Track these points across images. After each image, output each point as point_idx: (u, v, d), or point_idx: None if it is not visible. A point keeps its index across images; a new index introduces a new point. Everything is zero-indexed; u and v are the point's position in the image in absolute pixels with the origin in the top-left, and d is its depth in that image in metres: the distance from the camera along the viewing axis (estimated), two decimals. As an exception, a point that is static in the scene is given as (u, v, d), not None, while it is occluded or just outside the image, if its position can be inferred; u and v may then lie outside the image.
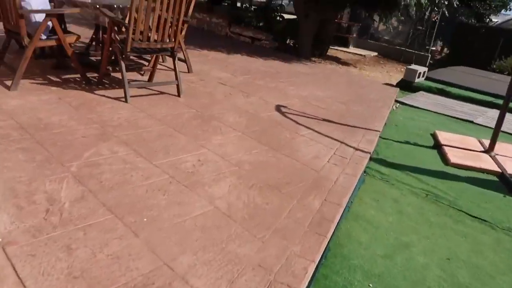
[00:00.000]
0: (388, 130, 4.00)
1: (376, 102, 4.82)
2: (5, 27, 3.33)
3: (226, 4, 15.76)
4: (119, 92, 3.43)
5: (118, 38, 3.28)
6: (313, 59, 9.33)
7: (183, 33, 4.48)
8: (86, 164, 2.23)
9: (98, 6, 3.33)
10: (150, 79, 3.99)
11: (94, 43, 4.62)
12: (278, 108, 3.89)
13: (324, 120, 3.78)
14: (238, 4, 16.31)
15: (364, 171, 2.93)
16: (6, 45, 3.43)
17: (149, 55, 4.37)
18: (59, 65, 3.85)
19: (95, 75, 3.74)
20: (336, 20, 13.12)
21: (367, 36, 13.29)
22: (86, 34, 4.95)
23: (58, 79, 3.62)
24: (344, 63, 9.39)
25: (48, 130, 2.56)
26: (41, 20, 3.16)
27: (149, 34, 3.30)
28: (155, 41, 3.37)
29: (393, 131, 4.03)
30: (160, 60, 4.97)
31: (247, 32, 8.10)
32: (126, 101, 3.31)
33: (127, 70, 3.89)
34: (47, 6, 3.29)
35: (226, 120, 3.31)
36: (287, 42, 8.46)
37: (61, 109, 2.94)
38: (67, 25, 4.25)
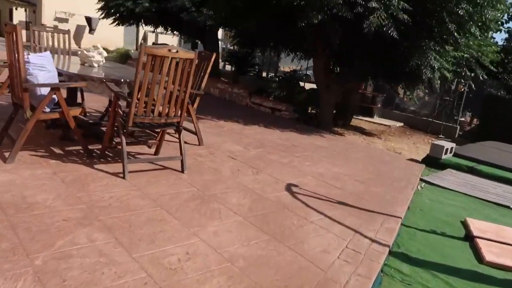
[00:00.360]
0: (412, 216, 3.59)
1: (399, 181, 4.45)
2: (12, 99, 3.32)
3: (252, 74, 16.23)
4: (120, 167, 3.26)
5: (121, 112, 3.18)
6: (336, 129, 9.15)
7: (195, 105, 4.41)
8: (55, 255, 1.97)
9: (104, 80, 3.30)
10: (156, 153, 3.84)
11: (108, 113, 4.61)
12: (288, 187, 3.59)
13: (338, 202, 3.43)
14: (264, 74, 16.79)
15: (381, 270, 2.51)
16: (12, 117, 3.40)
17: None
18: (66, 136, 3.78)
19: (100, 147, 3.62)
20: (360, 91, 13.16)
21: (392, 106, 13.13)
22: (104, 103, 4.97)
23: (60, 151, 3.52)
24: (369, 134, 9.13)
25: (28, 211, 2.35)
26: (46, 93, 3.13)
27: (153, 109, 3.18)
28: (160, 115, 3.25)
29: (418, 217, 3.61)
30: (172, 131, 4.88)
31: (267, 102, 8.08)
32: (124, 177, 3.11)
33: (134, 143, 3.77)
34: (55, 79, 3.28)
35: (228, 202, 3.02)
36: (308, 112, 8.37)
37: (51, 185, 2.77)
38: (85, 93, 4.28)
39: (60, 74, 3.40)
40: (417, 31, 6.25)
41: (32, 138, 3.73)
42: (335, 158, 5.01)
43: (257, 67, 17.36)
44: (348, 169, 4.55)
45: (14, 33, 2.94)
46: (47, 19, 18.39)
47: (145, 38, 23.75)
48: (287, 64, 16.40)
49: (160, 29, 15.16)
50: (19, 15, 18.03)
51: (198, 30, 11.63)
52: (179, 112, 3.37)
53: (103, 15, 13.26)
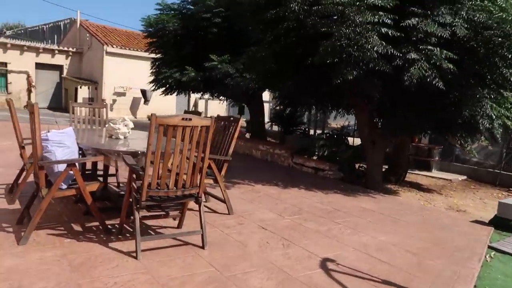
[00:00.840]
0: (480, 298, 2.91)
1: (462, 250, 3.76)
2: (34, 178, 3.29)
3: (299, 132, 16.07)
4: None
5: (136, 186, 3.00)
6: (388, 186, 8.45)
7: (223, 172, 4.17)
8: None
9: (120, 154, 3.19)
10: (179, 226, 3.58)
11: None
12: (323, 264, 3.11)
13: (384, 282, 2.88)
14: (312, 132, 16.57)
15: None
16: (35, 195, 3.35)
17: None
18: (89, 211, 3.66)
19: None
20: (413, 143, 12.36)
21: (452, 158, 12.10)
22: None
23: (79, 228, 3.38)
24: (427, 190, 8.31)
25: (19, 305, 2.13)
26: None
27: (169, 181, 2.98)
28: (176, 187, 3.02)
29: (488, 298, 2.92)
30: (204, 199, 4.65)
31: (309, 162, 7.71)
32: (136, 257, 2.85)
33: (156, 216, 3.56)
34: (75, 155, 3.23)
35: (249, 285, 2.62)
36: (356, 170, 7.84)
37: (55, 271, 2.56)
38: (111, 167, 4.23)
39: (80, 149, 3.36)
40: (466, 80, 5.74)
41: (56, 214, 3.66)
42: (382, 223, 4.44)
43: (304, 125, 17.27)
44: (397, 237, 3.96)
45: (33, 113, 2.96)
46: (107, 94, 19.98)
47: (195, 105, 24.90)
48: (336, 121, 16.12)
49: (206, 95, 15.81)
50: (83, 92, 19.79)
51: (243, 94, 11.86)
52: (198, 182, 3.13)
53: (154, 87, 14.10)
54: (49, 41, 25.52)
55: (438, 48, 5.36)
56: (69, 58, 21.25)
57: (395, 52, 5.36)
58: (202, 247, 3.16)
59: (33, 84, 19.83)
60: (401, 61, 5.46)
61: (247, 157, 9.28)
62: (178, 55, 12.97)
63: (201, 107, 24.88)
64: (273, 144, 8.96)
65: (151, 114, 2.75)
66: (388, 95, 6.35)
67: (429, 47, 5.34)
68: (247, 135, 16.19)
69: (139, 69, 19.20)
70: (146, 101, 20.83)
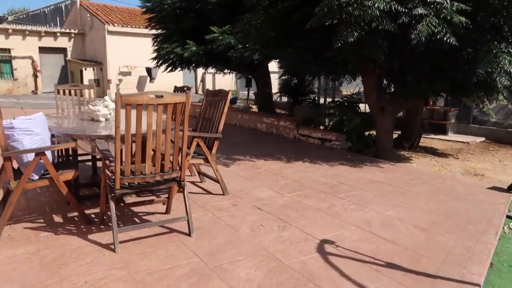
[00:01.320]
0: (497, 279, 2.60)
1: (477, 222, 3.43)
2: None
3: (308, 102, 15.60)
4: (120, 234, 2.79)
5: (110, 174, 2.74)
6: (402, 153, 8.08)
7: (214, 150, 3.88)
8: None
9: (94, 138, 2.92)
10: (167, 211, 3.35)
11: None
12: (320, 246, 2.84)
13: (387, 265, 2.60)
14: (322, 101, 16.10)
15: None
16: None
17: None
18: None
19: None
20: (428, 107, 11.81)
21: (469, 120, 11.54)
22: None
23: (60, 219, 3.17)
24: (442, 155, 7.92)
25: (-26, 313, 1.93)
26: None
27: (144, 166, 2.70)
28: (154, 173, 2.76)
29: (506, 279, 2.61)
30: (198, 180, 4.41)
31: (316, 133, 7.35)
32: (114, 250, 2.63)
33: (145, 202, 3.32)
34: (45, 142, 2.98)
35: (234, 277, 2.37)
36: (365, 139, 7.45)
37: (23, 270, 2.35)
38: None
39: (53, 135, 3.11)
40: (480, 34, 5.21)
41: (39, 204, 3.47)
42: (390, 195, 4.12)
43: (313, 95, 16.73)
44: (405, 211, 3.64)
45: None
46: (113, 74, 19.73)
47: (203, 80, 24.49)
48: (348, 88, 15.60)
49: (211, 69, 15.38)
50: (89, 74, 19.58)
51: (247, 65, 11.42)
52: (178, 165, 2.85)
53: (156, 64, 13.75)
54: (52, 24, 25.19)
55: (448, 1, 4.85)
56: (72, 40, 20.94)
57: (400, 8, 4.87)
58: (189, 235, 2.92)
59: (39, 68, 19.68)
60: (407, 18, 4.98)
61: (252, 131, 8.97)
62: (178, 29, 12.53)
63: (208, 82, 24.47)
64: (277, 116, 8.61)
65: (115, 93, 2.45)
66: (395, 57, 5.88)
67: (438, 0, 4.84)
68: (255, 108, 15.84)
69: (143, 47, 18.76)
70: (152, 79, 20.52)
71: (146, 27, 14.44)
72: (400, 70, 6.36)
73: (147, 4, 13.16)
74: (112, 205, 2.66)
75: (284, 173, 4.97)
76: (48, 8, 26.52)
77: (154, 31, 13.92)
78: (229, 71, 14.56)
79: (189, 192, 3.96)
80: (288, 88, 15.96)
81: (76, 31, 20.99)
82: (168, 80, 20.36)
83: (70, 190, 3.04)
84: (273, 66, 15.82)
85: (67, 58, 20.80)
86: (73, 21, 22.36)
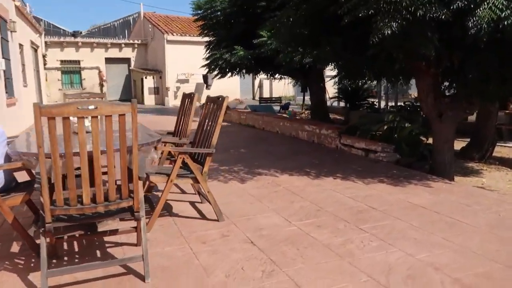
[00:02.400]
0: None
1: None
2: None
3: (365, 107, 14.43)
4: (64, 277, 2.30)
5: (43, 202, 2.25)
6: (470, 165, 6.85)
7: (206, 168, 3.27)
8: None
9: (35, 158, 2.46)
10: (138, 243, 2.80)
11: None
12: (307, 308, 2.07)
13: None
14: (384, 105, 14.84)
15: None
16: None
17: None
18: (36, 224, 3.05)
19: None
20: (507, 111, 10.16)
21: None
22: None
23: (16, 249, 2.77)
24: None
25: None
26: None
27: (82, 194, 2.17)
28: (96, 203, 2.22)
29: None
30: (198, 199, 3.83)
31: (359, 143, 6.42)
32: (43, 298, 2.12)
33: (108, 232, 2.82)
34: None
35: None
36: (421, 149, 6.35)
37: None
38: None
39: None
40: None
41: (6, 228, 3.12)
42: (431, 228, 3.18)
43: (372, 99, 15.45)
44: (448, 253, 2.71)
45: None
46: (171, 82, 20.17)
47: (260, 85, 24.14)
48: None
49: (263, 75, 14.87)
50: (149, 82, 20.24)
51: (299, 70, 10.72)
52: (128, 191, 2.28)
53: (208, 70, 13.66)
54: (120, 36, 26.63)
55: (518, -26, 3.78)
56: (135, 50, 21.84)
57: (453, -11, 3.91)
58: (143, 280, 2.33)
59: (104, 78, 20.78)
60: (463, 1, 3.99)
61: (292, 139, 8.23)
62: (228, 35, 12.30)
63: (266, 88, 24.06)
64: (319, 123, 7.77)
65: (33, 104, 1.95)
66: (454, 52, 4.84)
67: (505, -26, 3.80)
68: (305, 114, 15.00)
69: (200, 54, 18.91)
70: (208, 86, 20.60)
71: (199, 35, 14.44)
72: (461, 67, 5.26)
73: (198, 12, 13.11)
74: (42, 241, 2.16)
75: (305, 192, 4.20)
76: (118, 22, 28.13)
77: (207, 38, 13.89)
78: (279, 76, 13.96)
79: (180, 216, 3.40)
80: (344, 92, 14.93)
81: (139, 41, 21.86)
82: (224, 86, 20.28)
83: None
84: (329, 70, 14.92)
85: (130, 68, 21.73)
86: (138, 32, 23.37)
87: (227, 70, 13.02)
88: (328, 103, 15.12)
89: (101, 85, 20.74)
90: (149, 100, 20.33)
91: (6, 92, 8.08)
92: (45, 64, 17.82)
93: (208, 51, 13.42)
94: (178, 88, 20.54)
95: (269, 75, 13.60)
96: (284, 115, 13.71)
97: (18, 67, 9.73)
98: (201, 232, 3.07)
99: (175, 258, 2.61)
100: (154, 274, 2.38)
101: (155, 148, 3.06)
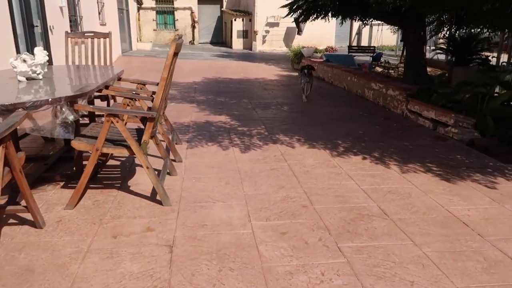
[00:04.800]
0: None
1: None
2: None
3: (476, 63, 11.78)
4: None
5: None
6: None
7: (145, 137, 2.51)
8: None
9: None
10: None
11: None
12: None
13: None
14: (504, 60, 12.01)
15: None
16: None
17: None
18: None
19: None
20: None
21: None
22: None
23: None
24: None
25: None
26: None
27: None
28: None
29: None
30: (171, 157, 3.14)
31: (428, 111, 4.92)
32: None
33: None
34: None
35: None
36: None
37: None
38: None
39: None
40: None
41: None
42: (452, 266, 2.02)
43: (489, 53, 12.49)
44: None
45: None
46: (260, 25, 19.14)
47: (359, 32, 21.70)
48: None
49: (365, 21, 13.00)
50: (238, 25, 19.51)
51: (392, 13, 8.94)
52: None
53: (288, 13, 12.36)
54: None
55: None
56: (228, -10, 21.08)
57: None
58: (-18, 284, 1.77)
59: (196, 19, 20.67)
60: None
61: (356, 98, 6.92)
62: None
63: (365, 36, 21.54)
64: (387, 82, 6.28)
65: None
66: None
67: None
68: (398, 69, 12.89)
69: (293, -5, 17.42)
70: (300, 31, 19.05)
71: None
72: None
73: None
74: None
75: (309, 175, 3.21)
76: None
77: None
78: (371, 21, 11.99)
79: (129, 191, 2.78)
80: (453, 42, 12.30)
81: (233, -19, 20.98)
82: (317, 32, 18.63)
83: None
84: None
85: (222, 9, 21.18)
86: (233, -29, 22.42)
87: (311, 11, 11.55)
88: (430, 56, 12.76)
89: (193, 27, 20.71)
90: (237, 44, 19.74)
91: (72, 31, 8.15)
92: (141, 4, 18.22)
93: (289, -12, 12.00)
94: (267, 32, 19.46)
95: (357, 18, 11.78)
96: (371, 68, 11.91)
97: (91, 5, 9.81)
98: (125, 219, 2.40)
99: (44, 260, 2.00)
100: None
101: (72, 107, 2.39)
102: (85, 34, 4.32)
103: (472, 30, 11.30)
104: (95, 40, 4.29)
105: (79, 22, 8.80)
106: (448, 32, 11.63)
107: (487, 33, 10.78)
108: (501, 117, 4.59)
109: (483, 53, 12.24)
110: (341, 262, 2.04)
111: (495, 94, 4.95)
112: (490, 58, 12.14)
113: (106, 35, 4.32)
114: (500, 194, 2.96)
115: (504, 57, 13.13)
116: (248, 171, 3.26)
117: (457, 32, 11.43)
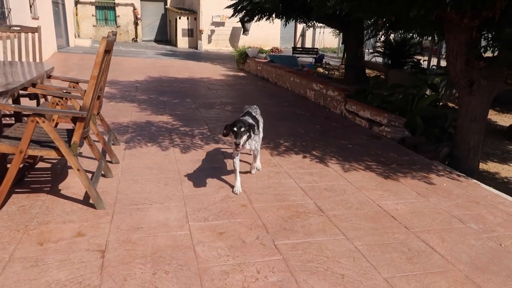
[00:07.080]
0: None
1: None
2: None
3: (410, 66, 12.54)
4: None
5: None
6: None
7: (75, 137, 2.39)
8: None
9: None
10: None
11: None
12: None
13: None
14: (434, 63, 12.93)
15: None
16: None
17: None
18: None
19: None
20: None
21: None
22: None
23: None
24: None
25: None
26: None
27: None
28: None
29: None
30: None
31: (364, 111, 5.18)
32: None
33: None
34: None
35: None
36: (441, 128, 4.99)
37: None
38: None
39: None
40: None
41: None
42: (380, 258, 2.14)
43: (420, 57, 13.40)
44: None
45: None
46: (205, 24, 19.00)
47: (303, 34, 22.29)
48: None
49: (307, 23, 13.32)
50: (183, 23, 19.21)
51: (332, 17, 9.23)
52: None
53: (233, 13, 12.36)
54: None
55: None
56: (173, -13, 20.68)
57: None
58: None
59: (139, 16, 20.04)
60: None
61: (298, 98, 7.09)
62: (258, -27, 10.84)
63: (308, 37, 22.19)
64: (327, 83, 6.51)
65: None
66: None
67: None
68: (340, 71, 13.42)
69: (238, -5, 17.46)
70: (246, 31, 19.17)
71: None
72: (505, 19, 3.84)
73: None
74: None
75: (249, 174, 3.25)
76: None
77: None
78: (312, 23, 12.36)
79: (60, 195, 2.62)
80: (388, 46, 13.03)
81: (177, -22, 20.60)
82: (263, 33, 18.83)
83: None
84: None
85: (166, 6, 20.74)
86: (177, -32, 22.02)
87: (256, 12, 11.66)
88: (367, 58, 13.40)
89: (136, 24, 20.07)
90: (183, 42, 19.41)
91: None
92: (78, -2, 17.31)
93: (234, -11, 12.04)
94: (213, 31, 19.36)
95: (301, 21, 12.08)
96: (304, 70, 12.26)
97: (21, -3, 9.15)
98: (54, 225, 2.27)
99: (-26, 267, 1.85)
100: None
101: (-9, 106, 2.22)
102: (11, 28, 4.02)
103: (406, 35, 11.98)
104: (23, 34, 4.01)
105: (7, 15, 8.17)
106: (384, 36, 12.27)
107: (418, 38, 11.53)
108: (429, 116, 4.96)
109: (415, 57, 13.09)
110: (277, 259, 2.08)
111: (425, 95, 5.32)
112: (422, 61, 13.02)
113: (35, 30, 4.05)
114: (426, 189, 3.18)
115: (434, 61, 14.13)
116: (188, 172, 3.22)
117: (393, 36, 12.10)
